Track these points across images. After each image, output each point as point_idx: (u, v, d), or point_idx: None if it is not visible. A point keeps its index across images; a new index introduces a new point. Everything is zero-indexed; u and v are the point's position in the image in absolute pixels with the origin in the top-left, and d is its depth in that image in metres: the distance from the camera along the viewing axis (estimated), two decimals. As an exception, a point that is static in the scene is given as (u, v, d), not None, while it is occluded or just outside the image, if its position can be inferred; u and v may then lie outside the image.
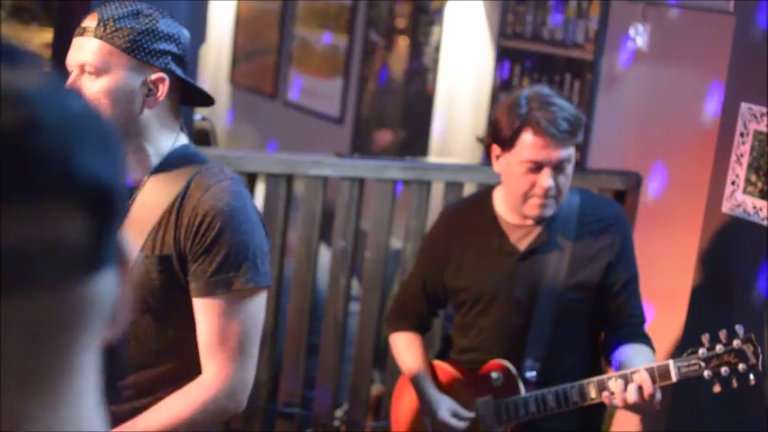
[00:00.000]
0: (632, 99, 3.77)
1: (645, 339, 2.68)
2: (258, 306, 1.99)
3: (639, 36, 3.67)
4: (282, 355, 3.56)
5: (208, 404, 1.95)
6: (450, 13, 4.90)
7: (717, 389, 2.42)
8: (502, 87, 4.50)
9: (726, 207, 3.07)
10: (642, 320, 2.74)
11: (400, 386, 2.99)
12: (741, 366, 2.40)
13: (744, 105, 3.02)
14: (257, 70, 6.70)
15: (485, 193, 2.83)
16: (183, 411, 1.95)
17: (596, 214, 2.74)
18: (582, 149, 3.93)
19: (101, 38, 1.93)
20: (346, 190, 3.49)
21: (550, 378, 2.65)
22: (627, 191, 3.65)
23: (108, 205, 0.61)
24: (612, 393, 2.47)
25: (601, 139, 3.92)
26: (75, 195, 0.59)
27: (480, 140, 2.76)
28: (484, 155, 2.75)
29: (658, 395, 2.45)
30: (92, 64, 1.93)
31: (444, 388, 2.82)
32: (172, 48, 1.98)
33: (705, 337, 2.43)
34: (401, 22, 5.31)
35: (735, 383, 2.41)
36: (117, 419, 1.95)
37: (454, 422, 2.73)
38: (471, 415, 2.74)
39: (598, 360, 2.77)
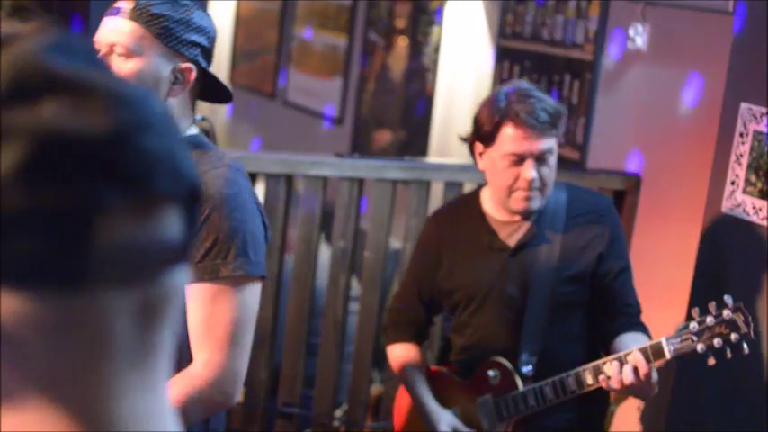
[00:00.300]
0: (632, 99, 3.77)
1: (642, 328, 2.68)
2: (249, 296, 1.95)
3: (639, 36, 3.67)
4: (282, 354, 3.56)
5: (193, 394, 1.89)
6: (449, 13, 4.90)
7: (711, 361, 2.41)
8: (501, 87, 4.50)
9: (725, 207, 3.07)
10: (638, 310, 2.74)
11: (403, 390, 2.99)
12: (733, 336, 2.40)
13: (743, 105, 3.02)
14: (257, 70, 6.70)
15: (472, 194, 2.85)
16: None
17: (584, 207, 2.76)
18: (581, 149, 3.93)
19: (135, 20, 1.93)
20: (346, 190, 3.49)
21: (548, 372, 2.66)
22: (626, 191, 3.65)
23: (197, 200, 0.65)
24: (609, 377, 2.48)
25: (600, 139, 3.92)
26: (179, 193, 0.63)
27: (464, 140, 2.76)
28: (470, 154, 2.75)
29: (654, 376, 2.45)
30: (123, 45, 1.93)
31: (444, 393, 2.82)
32: (202, 40, 1.99)
33: (695, 311, 2.44)
34: (400, 22, 5.31)
35: (729, 354, 2.41)
36: None
37: None
38: (470, 431, 2.76)
39: (596, 352, 2.78)
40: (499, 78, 4.50)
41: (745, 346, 2.41)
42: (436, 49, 4.97)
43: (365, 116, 5.54)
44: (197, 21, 1.98)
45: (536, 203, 2.67)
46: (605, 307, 2.72)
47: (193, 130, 2.06)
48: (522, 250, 2.72)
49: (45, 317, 0.59)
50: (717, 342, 2.40)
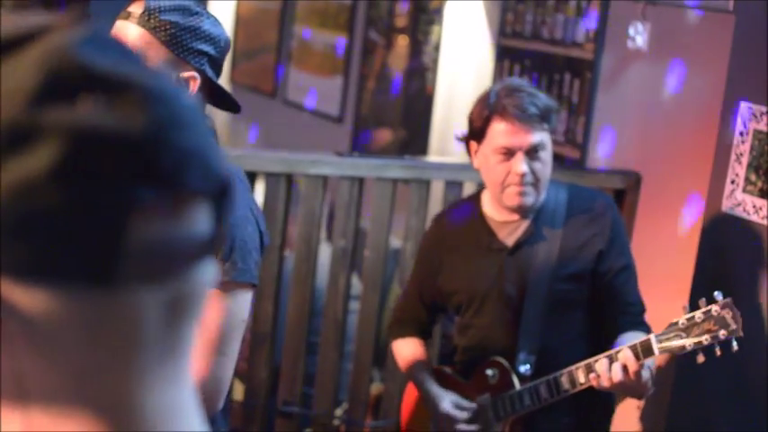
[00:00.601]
0: (632, 98, 3.77)
1: (644, 327, 2.66)
2: (235, 302, 1.92)
3: (639, 35, 3.66)
4: (282, 353, 3.56)
5: None
6: (449, 12, 4.90)
7: (701, 359, 2.39)
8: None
9: (725, 206, 3.07)
10: (641, 309, 2.73)
11: (410, 388, 2.99)
12: (722, 333, 2.37)
13: (743, 104, 3.02)
14: (257, 69, 6.70)
15: (473, 196, 2.87)
16: None
17: (584, 205, 2.75)
18: (581, 148, 3.93)
19: (143, 26, 1.93)
20: (346, 189, 3.49)
21: (548, 371, 2.65)
22: (626, 190, 3.65)
23: (226, 196, 0.65)
24: (599, 375, 2.48)
25: (600, 138, 3.92)
26: (210, 189, 0.63)
27: (461, 140, 2.77)
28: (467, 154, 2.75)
29: (646, 374, 2.44)
30: None
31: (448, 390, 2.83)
32: (210, 50, 1.98)
33: (684, 307, 2.42)
34: (401, 21, 5.31)
35: (718, 352, 2.38)
36: None
37: (456, 413, 2.74)
38: (474, 406, 2.75)
39: (599, 352, 2.76)
40: (499, 77, 4.50)
41: (734, 344, 2.38)
42: (436, 48, 4.97)
43: (365, 115, 5.54)
44: (207, 29, 1.97)
45: (530, 199, 2.66)
46: (606, 306, 2.71)
47: None
48: (520, 249, 2.72)
49: (79, 313, 0.60)
50: (705, 339, 2.38)
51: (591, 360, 2.53)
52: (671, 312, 3.32)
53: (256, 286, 1.98)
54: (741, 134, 3.03)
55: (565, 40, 4.12)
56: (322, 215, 3.54)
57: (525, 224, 2.73)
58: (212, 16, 2.00)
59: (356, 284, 3.76)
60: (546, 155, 2.63)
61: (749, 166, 3.00)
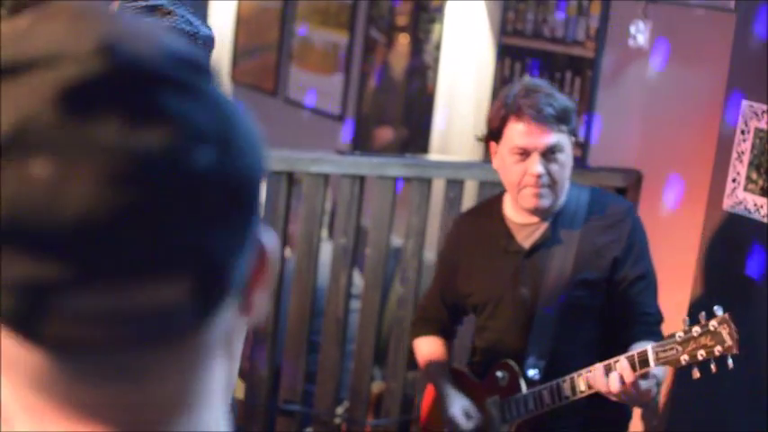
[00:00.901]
0: (633, 97, 3.77)
1: (657, 337, 2.57)
2: None
3: (640, 33, 3.66)
4: (283, 352, 3.56)
5: None
6: (450, 10, 4.90)
7: (696, 374, 2.34)
8: (503, 85, 4.49)
9: (726, 204, 3.07)
10: (657, 319, 2.66)
11: (431, 385, 3.00)
12: (717, 349, 2.32)
13: (745, 103, 3.02)
14: (258, 68, 6.70)
15: (495, 198, 2.84)
16: None
17: (604, 210, 2.71)
18: (583, 147, 3.93)
19: None
20: (347, 187, 3.49)
21: (556, 378, 2.61)
22: (627, 188, 3.65)
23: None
24: (594, 384, 2.46)
25: (601, 136, 3.92)
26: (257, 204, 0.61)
27: (480, 140, 2.77)
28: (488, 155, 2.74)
29: (644, 384, 2.40)
30: None
31: (461, 392, 2.83)
32: None
33: (684, 320, 2.38)
34: (402, 20, 5.30)
35: (713, 368, 2.34)
36: None
37: (462, 420, 2.74)
38: (481, 415, 2.75)
39: None
40: (500, 76, 4.50)
41: (729, 361, 2.33)
42: (437, 47, 4.97)
43: (366, 113, 5.54)
44: (182, 28, 1.94)
45: (546, 201, 2.63)
46: (621, 315, 2.66)
47: None
48: (536, 252, 2.69)
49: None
50: (700, 354, 2.33)
51: (592, 368, 2.51)
52: (672, 312, 3.32)
53: None
54: (742, 132, 3.03)
55: (566, 38, 4.12)
56: (324, 213, 3.54)
57: (543, 227, 2.70)
58: (189, 13, 1.97)
59: (357, 283, 3.76)
60: (564, 157, 2.60)
61: (750, 164, 3.00)
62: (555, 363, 2.65)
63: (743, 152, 3.02)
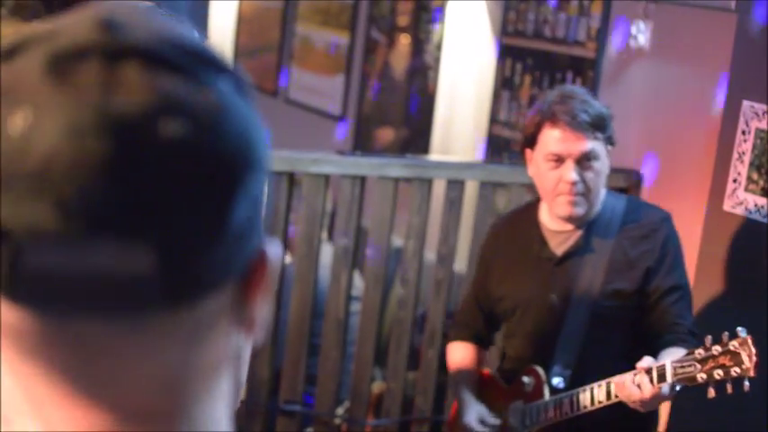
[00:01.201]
0: (634, 97, 3.77)
1: (685, 345, 2.50)
2: None
3: (641, 34, 3.66)
4: (284, 352, 3.56)
5: None
6: (451, 10, 4.90)
7: (711, 393, 2.32)
8: (503, 85, 4.50)
9: (727, 205, 3.07)
10: (690, 329, 2.58)
11: None
12: (734, 370, 2.29)
13: (746, 103, 3.02)
14: (259, 68, 6.70)
15: (532, 203, 2.81)
16: None
17: (639, 220, 2.67)
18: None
19: None
20: (348, 188, 3.49)
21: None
22: (628, 188, 3.64)
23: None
24: (617, 396, 2.45)
25: (602, 136, 3.92)
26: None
27: (517, 149, 2.77)
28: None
29: (661, 394, 2.39)
30: None
31: (489, 396, 2.83)
32: None
33: (707, 339, 2.35)
34: (403, 20, 5.31)
35: (729, 389, 2.31)
36: None
37: (477, 427, 2.74)
38: (497, 422, 2.75)
39: None
40: (501, 76, 4.50)
41: (746, 383, 2.30)
42: (438, 47, 4.97)
43: (367, 114, 5.54)
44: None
45: (580, 209, 2.61)
46: (652, 326, 2.60)
47: None
48: (568, 260, 2.67)
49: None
50: (717, 373, 2.30)
51: (611, 379, 2.47)
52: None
53: None
54: (743, 133, 3.03)
55: (567, 38, 4.12)
56: (324, 214, 3.53)
57: (577, 235, 2.67)
58: (170, 14, 1.97)
59: (357, 285, 3.76)
60: (599, 164, 2.57)
61: (751, 164, 3.00)
62: (581, 373, 2.62)
63: (744, 152, 3.02)
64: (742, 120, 3.03)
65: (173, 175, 0.56)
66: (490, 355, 3.04)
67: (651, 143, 3.67)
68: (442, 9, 4.96)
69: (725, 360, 2.31)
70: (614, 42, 3.87)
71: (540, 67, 4.27)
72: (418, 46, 5.14)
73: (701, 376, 2.32)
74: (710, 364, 2.32)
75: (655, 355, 2.47)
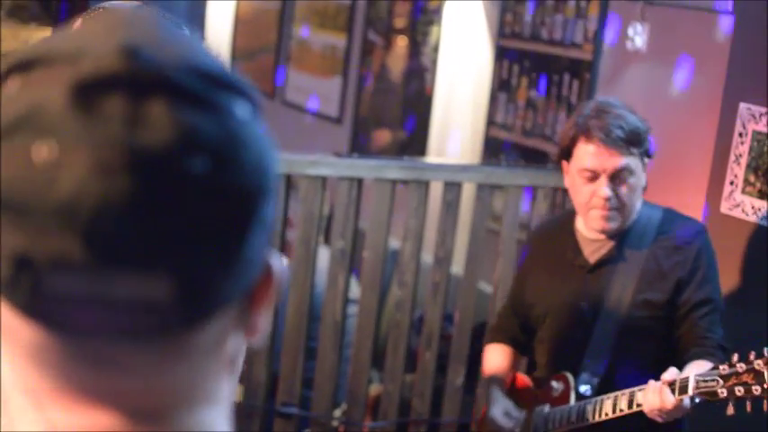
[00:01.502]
0: (631, 99, 3.76)
1: (713, 359, 2.47)
2: None
3: (638, 36, 3.66)
4: (281, 355, 3.56)
5: None
6: (448, 12, 4.90)
7: (730, 411, 2.32)
8: (500, 87, 4.50)
9: (724, 207, 3.07)
10: (718, 344, 2.56)
11: None
12: (755, 389, 2.29)
13: (742, 105, 3.02)
14: (256, 70, 6.70)
15: (570, 211, 2.80)
16: None
17: (674, 231, 2.66)
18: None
19: None
20: (345, 190, 3.49)
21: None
22: (625, 191, 3.65)
23: None
24: (639, 405, 2.45)
25: (599, 138, 3.92)
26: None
27: (554, 159, 2.77)
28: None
29: (686, 404, 2.37)
30: None
31: (518, 398, 2.84)
32: None
33: (735, 356, 2.34)
34: (400, 22, 5.31)
35: (749, 407, 2.31)
36: None
37: (502, 420, 2.75)
38: (521, 415, 2.75)
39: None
40: (498, 78, 4.50)
41: (766, 401, 2.29)
42: (435, 49, 4.97)
43: (364, 116, 5.54)
44: None
45: (614, 224, 2.60)
46: (681, 338, 2.59)
47: None
48: (601, 268, 2.66)
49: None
50: (738, 390, 2.30)
51: (634, 389, 2.47)
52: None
53: None
54: (740, 135, 3.03)
55: (564, 40, 4.12)
56: (321, 216, 3.53)
57: (611, 244, 2.66)
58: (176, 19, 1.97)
59: (353, 290, 3.76)
60: (634, 180, 2.57)
61: (748, 167, 3.00)
62: (609, 381, 2.61)
63: (741, 155, 3.03)
64: (739, 122, 3.03)
65: (193, 209, 0.57)
66: (519, 360, 3.02)
67: (648, 145, 3.67)
68: (438, 11, 4.97)
69: (748, 378, 2.31)
70: (611, 44, 3.87)
71: (536, 68, 4.28)
72: (415, 48, 5.14)
73: (722, 392, 2.31)
74: (733, 380, 2.31)
75: (682, 367, 2.45)
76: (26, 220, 0.56)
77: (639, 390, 2.46)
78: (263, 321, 0.67)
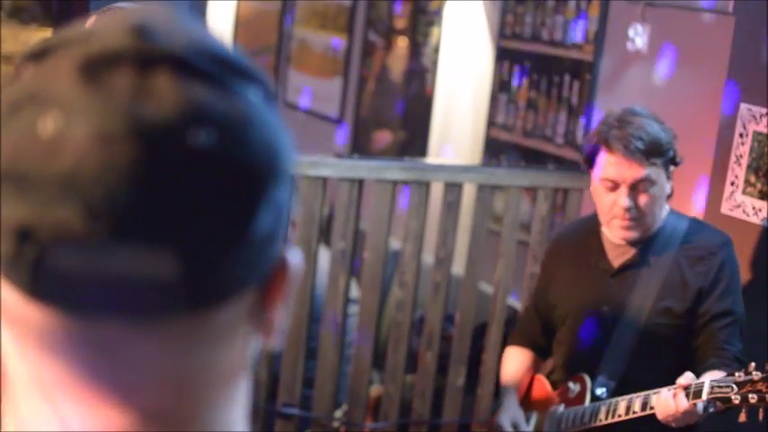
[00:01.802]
0: (631, 100, 3.77)
1: (728, 370, 2.45)
2: None
3: (639, 36, 3.67)
4: (282, 355, 3.56)
5: None
6: (449, 13, 4.90)
7: (742, 418, 2.33)
8: (501, 88, 4.50)
9: (725, 208, 3.07)
10: (735, 356, 2.55)
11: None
12: None
13: (743, 106, 3.02)
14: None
15: (596, 214, 2.79)
16: None
17: (699, 241, 2.66)
18: (581, 150, 3.94)
19: None
20: (345, 191, 3.49)
21: None
22: (626, 191, 3.65)
23: None
24: (652, 408, 2.45)
25: (600, 139, 3.92)
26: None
27: (582, 163, 2.76)
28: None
29: (699, 409, 2.37)
30: None
31: (535, 398, 2.85)
32: None
33: (751, 365, 2.34)
34: (400, 23, 5.31)
35: (761, 415, 2.32)
36: None
37: (507, 428, 2.76)
38: (529, 429, 2.77)
39: None
40: (499, 79, 4.50)
41: None
42: (436, 50, 4.97)
43: (365, 117, 5.54)
44: None
45: (634, 234, 2.61)
46: (698, 348, 2.59)
47: None
48: (624, 273, 2.67)
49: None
50: (752, 397, 2.31)
51: (649, 392, 2.48)
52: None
53: None
54: (741, 136, 3.03)
55: (564, 41, 4.12)
56: (322, 217, 3.53)
57: (635, 249, 2.67)
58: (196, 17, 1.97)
59: (354, 289, 3.76)
60: (655, 190, 2.57)
61: (749, 167, 3.00)
62: (625, 385, 2.61)
63: (741, 155, 3.03)
64: (740, 122, 3.03)
65: (199, 183, 0.56)
66: (539, 363, 3.02)
67: (649, 146, 3.67)
68: (439, 12, 4.97)
69: (762, 386, 2.31)
70: (612, 45, 3.87)
71: (537, 69, 4.28)
72: (416, 49, 5.14)
73: (736, 398, 2.32)
74: (748, 387, 2.32)
75: (698, 377, 2.45)
76: (28, 192, 0.55)
77: (654, 393, 2.46)
78: (279, 319, 0.65)
